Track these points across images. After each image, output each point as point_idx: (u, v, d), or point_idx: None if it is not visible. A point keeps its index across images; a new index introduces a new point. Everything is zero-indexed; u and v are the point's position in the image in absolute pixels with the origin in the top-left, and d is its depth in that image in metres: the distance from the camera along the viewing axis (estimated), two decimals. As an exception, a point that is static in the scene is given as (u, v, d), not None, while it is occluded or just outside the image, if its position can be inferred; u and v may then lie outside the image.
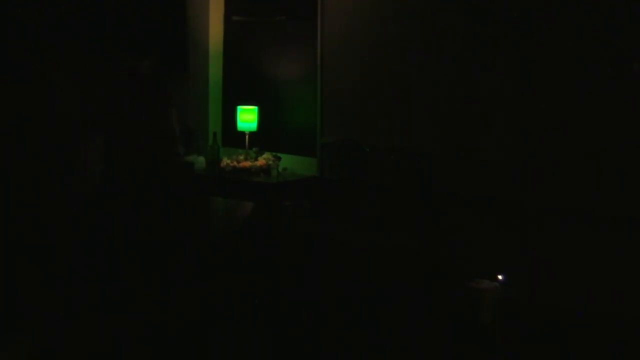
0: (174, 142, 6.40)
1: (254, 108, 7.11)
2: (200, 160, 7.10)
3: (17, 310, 4.83)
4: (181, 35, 7.60)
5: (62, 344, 5.17)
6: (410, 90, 6.48)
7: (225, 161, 6.97)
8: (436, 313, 5.80)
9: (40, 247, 5.23)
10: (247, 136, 7.09)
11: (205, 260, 7.01)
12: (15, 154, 5.21)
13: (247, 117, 7.09)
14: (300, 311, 5.98)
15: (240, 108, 7.14)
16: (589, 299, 5.73)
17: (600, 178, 5.72)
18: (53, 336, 5.16)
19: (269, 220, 6.82)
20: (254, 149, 7.04)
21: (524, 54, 5.98)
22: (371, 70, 6.66)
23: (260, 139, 7.11)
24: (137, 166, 6.33)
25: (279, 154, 6.96)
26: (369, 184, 6.58)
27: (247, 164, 6.87)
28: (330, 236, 6.30)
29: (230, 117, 7.34)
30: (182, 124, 6.82)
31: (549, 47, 5.88)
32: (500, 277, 5.83)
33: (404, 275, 6.03)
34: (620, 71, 5.64)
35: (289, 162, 7.01)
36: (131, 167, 6.34)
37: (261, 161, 6.89)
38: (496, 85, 6.12)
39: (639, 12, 5.58)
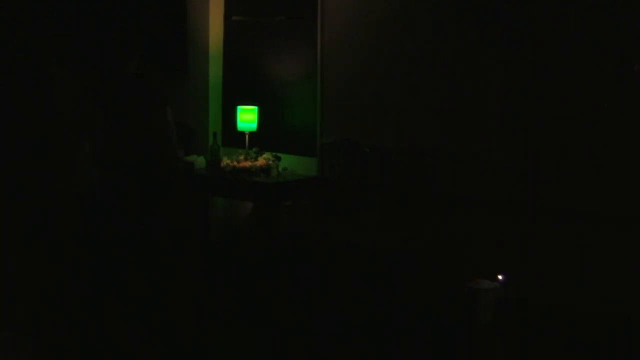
0: (170, 143, 6.40)
1: (254, 108, 7.11)
2: (200, 160, 7.09)
3: (17, 310, 4.83)
4: (181, 35, 7.59)
5: (62, 344, 5.16)
6: (410, 90, 6.48)
7: (225, 161, 6.96)
8: (436, 313, 5.80)
9: (39, 247, 5.23)
10: (247, 136, 7.09)
11: (206, 260, 7.01)
12: (14, 153, 5.21)
13: (247, 117, 7.08)
14: (299, 311, 5.97)
15: (240, 108, 7.13)
16: (588, 299, 5.73)
17: (600, 178, 5.72)
18: (53, 336, 5.16)
19: (269, 220, 6.82)
20: (254, 149, 7.03)
21: (524, 53, 5.97)
22: (371, 70, 6.65)
23: (260, 139, 7.10)
24: (132, 166, 6.32)
25: (279, 154, 6.96)
26: (369, 184, 6.58)
27: (247, 164, 6.87)
28: (330, 236, 6.30)
29: (230, 117, 7.33)
30: (180, 124, 6.82)
31: (550, 47, 5.88)
32: (500, 277, 5.83)
33: (404, 276, 6.03)
34: (620, 71, 5.63)
35: (289, 162, 7.01)
36: (125, 166, 6.33)
37: (261, 161, 6.88)
38: (496, 85, 6.12)
39: (639, 12, 5.58)
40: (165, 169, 6.37)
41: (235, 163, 6.92)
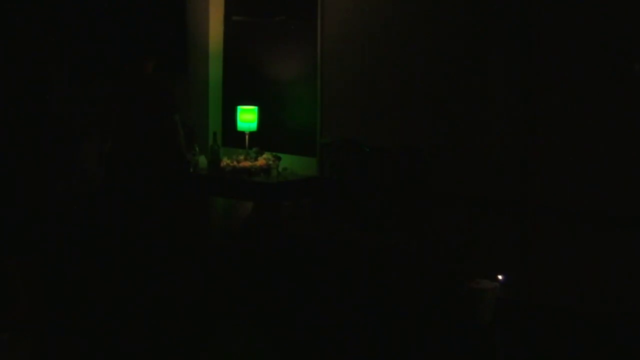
0: (180, 147, 6.40)
1: (254, 108, 7.11)
2: (200, 160, 7.10)
3: (17, 310, 4.83)
4: (181, 36, 7.59)
5: (62, 344, 5.17)
6: (409, 90, 6.48)
7: (225, 161, 6.96)
8: (436, 313, 5.80)
9: (40, 247, 5.23)
10: (247, 136, 7.09)
11: (205, 260, 7.01)
12: (17, 154, 5.21)
13: (247, 117, 7.08)
14: (300, 311, 5.97)
15: (240, 108, 7.13)
16: (588, 299, 5.73)
17: (601, 178, 5.72)
18: (53, 336, 5.17)
19: (269, 220, 6.82)
20: (254, 149, 7.03)
21: (524, 53, 5.98)
22: (371, 70, 6.65)
23: (260, 139, 7.10)
24: (140, 167, 6.33)
25: (279, 154, 6.96)
26: (369, 184, 6.58)
27: (247, 164, 6.87)
28: (330, 236, 6.30)
29: (230, 117, 7.33)
30: (187, 127, 6.82)
31: (550, 47, 5.88)
32: (500, 277, 5.83)
33: (404, 275, 6.03)
34: (620, 71, 5.64)
35: (289, 162, 7.01)
36: (133, 168, 6.34)
37: (261, 161, 6.88)
38: (496, 85, 6.12)
39: (639, 12, 5.58)
40: (168, 171, 6.37)
41: (235, 163, 6.92)
